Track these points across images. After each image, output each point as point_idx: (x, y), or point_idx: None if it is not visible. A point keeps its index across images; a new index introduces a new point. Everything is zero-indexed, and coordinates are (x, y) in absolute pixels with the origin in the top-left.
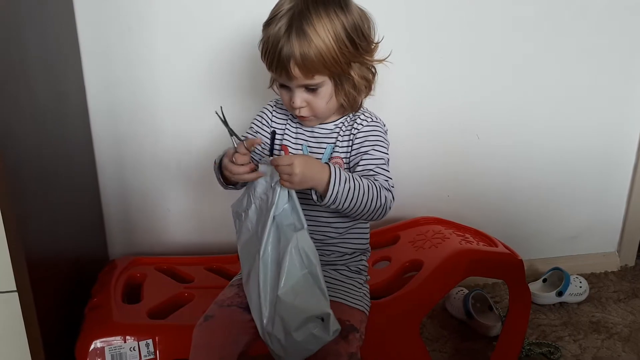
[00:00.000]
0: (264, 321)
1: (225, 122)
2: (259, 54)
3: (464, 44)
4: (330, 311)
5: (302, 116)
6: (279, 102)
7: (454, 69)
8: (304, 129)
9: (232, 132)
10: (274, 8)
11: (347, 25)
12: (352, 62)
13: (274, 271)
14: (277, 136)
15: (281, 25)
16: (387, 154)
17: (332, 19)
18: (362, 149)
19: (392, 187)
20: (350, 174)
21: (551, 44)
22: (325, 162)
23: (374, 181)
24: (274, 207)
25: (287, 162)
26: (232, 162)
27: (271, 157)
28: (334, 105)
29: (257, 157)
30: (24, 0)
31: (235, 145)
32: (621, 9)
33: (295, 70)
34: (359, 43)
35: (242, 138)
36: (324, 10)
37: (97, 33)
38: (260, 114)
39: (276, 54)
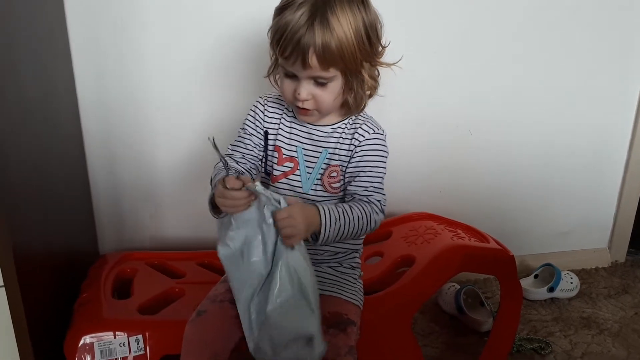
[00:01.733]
0: (254, 336)
1: (218, 153)
2: (252, 49)
3: (458, 40)
4: (317, 332)
5: (305, 109)
6: (270, 97)
7: (448, 66)
8: (299, 128)
9: (225, 164)
10: None
11: (367, 23)
12: (365, 60)
13: (265, 286)
14: (270, 135)
15: (303, 11)
16: (385, 168)
17: (355, 13)
18: (362, 165)
19: (384, 205)
20: (339, 210)
21: (544, 41)
22: (313, 204)
23: (366, 205)
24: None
25: (284, 216)
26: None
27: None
28: (338, 103)
29: (248, 166)
30: None
31: (226, 177)
32: (611, 6)
33: (313, 60)
34: (374, 42)
35: (232, 172)
36: (348, 4)
37: (88, 27)
38: (252, 113)
39: (294, 40)
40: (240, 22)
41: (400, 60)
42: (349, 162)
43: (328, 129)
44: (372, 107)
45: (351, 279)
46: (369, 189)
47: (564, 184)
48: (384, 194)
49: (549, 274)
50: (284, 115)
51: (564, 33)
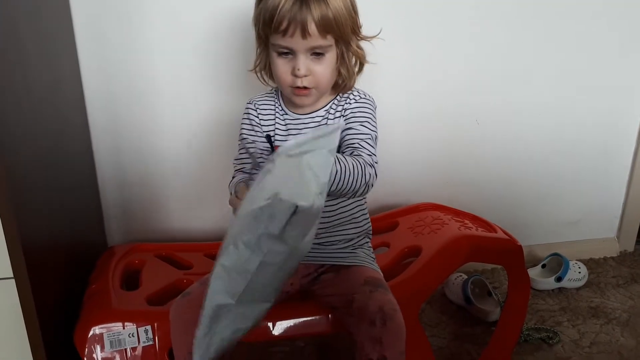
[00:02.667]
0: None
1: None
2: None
3: (464, 28)
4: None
5: (305, 88)
6: (259, 99)
7: (454, 54)
8: (292, 121)
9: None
10: None
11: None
12: (353, 31)
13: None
14: (271, 137)
15: None
16: (375, 131)
17: None
18: (350, 123)
19: (376, 162)
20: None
21: (553, 31)
22: None
23: (357, 157)
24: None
25: None
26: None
27: None
28: (333, 78)
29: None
30: None
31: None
32: None
33: (312, 27)
34: (357, 13)
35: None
36: None
37: (93, 19)
38: (246, 121)
39: (292, 12)
40: (247, 14)
41: (379, 32)
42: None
43: (321, 112)
44: (377, 98)
45: (370, 259)
46: (359, 143)
47: (573, 172)
48: (375, 154)
49: (557, 264)
50: (276, 114)
51: (573, 23)
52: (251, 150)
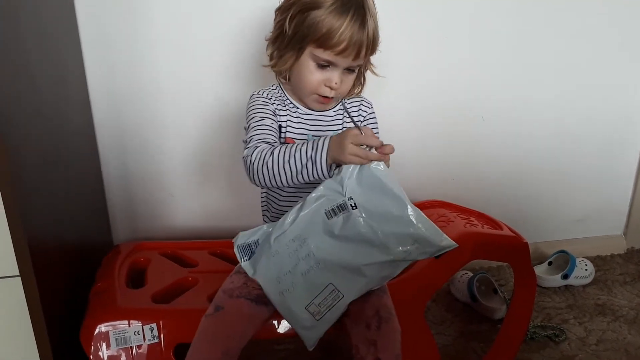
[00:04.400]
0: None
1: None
2: (261, 38)
3: (469, 24)
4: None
5: (330, 97)
6: (269, 92)
7: (459, 50)
8: (304, 117)
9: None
10: None
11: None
12: None
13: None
14: (281, 129)
15: (353, 12)
16: None
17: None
18: None
19: None
20: None
21: (558, 27)
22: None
23: None
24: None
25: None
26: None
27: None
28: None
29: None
30: None
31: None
32: None
33: (363, 52)
34: None
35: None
36: None
37: (97, 17)
38: (264, 105)
39: (353, 39)
40: (250, 13)
41: (380, 42)
42: None
43: (331, 112)
44: (383, 95)
45: None
46: None
47: (579, 169)
48: None
49: (564, 261)
50: (288, 109)
51: (578, 18)
52: (273, 134)
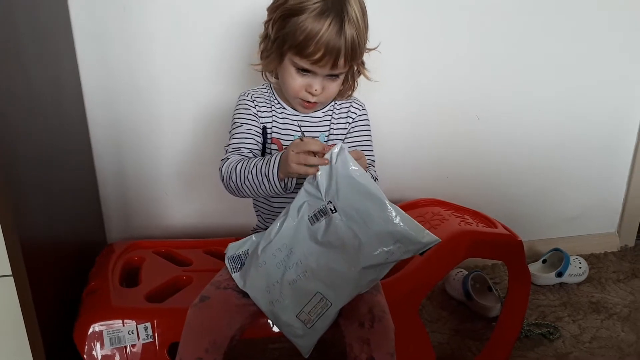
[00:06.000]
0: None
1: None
2: (256, 36)
3: (464, 23)
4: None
5: (312, 103)
6: (254, 93)
7: (454, 49)
8: (291, 118)
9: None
10: None
11: (366, 14)
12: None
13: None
14: (267, 130)
15: (331, 20)
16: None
17: (361, 6)
18: (359, 140)
19: (377, 175)
20: None
21: (553, 26)
22: None
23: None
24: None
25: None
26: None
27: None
28: (338, 91)
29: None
30: None
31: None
32: None
33: (341, 61)
34: (367, 25)
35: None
36: (360, 2)
37: (91, 14)
38: (243, 109)
39: (328, 48)
40: (243, 11)
41: (378, 45)
42: (345, 137)
43: (319, 113)
44: (379, 94)
45: None
46: (367, 162)
47: (573, 167)
48: (375, 168)
49: (558, 259)
50: (273, 109)
51: (574, 17)
52: (248, 145)
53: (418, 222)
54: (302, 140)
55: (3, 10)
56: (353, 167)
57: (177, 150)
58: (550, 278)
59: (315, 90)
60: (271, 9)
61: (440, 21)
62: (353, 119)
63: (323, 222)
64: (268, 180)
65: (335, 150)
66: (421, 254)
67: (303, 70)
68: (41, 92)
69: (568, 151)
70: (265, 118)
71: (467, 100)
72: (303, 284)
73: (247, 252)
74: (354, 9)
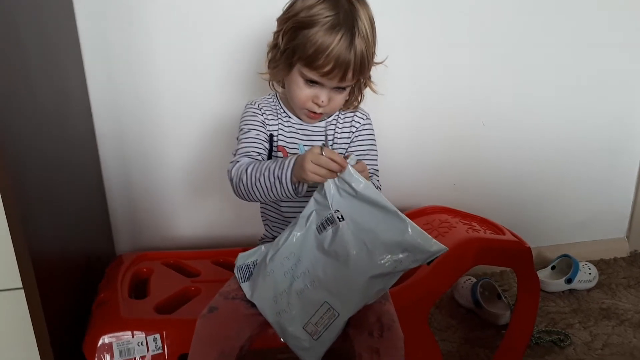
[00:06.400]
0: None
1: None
2: (259, 49)
3: (469, 30)
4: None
5: (318, 113)
6: (261, 102)
7: (459, 56)
8: (296, 126)
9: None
10: (310, 5)
11: (374, 26)
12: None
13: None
14: (273, 137)
15: (342, 34)
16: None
17: (370, 20)
18: (362, 149)
19: (380, 185)
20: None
21: (557, 30)
22: None
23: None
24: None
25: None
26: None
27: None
28: (344, 103)
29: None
30: None
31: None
32: None
33: (350, 75)
34: (376, 40)
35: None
36: (365, 10)
37: (97, 28)
38: (251, 116)
39: (339, 61)
40: (252, 20)
41: (385, 59)
42: (349, 146)
43: (323, 123)
44: (383, 102)
45: None
46: (371, 171)
47: (580, 173)
48: (378, 176)
49: (567, 265)
50: (279, 118)
51: (577, 21)
52: (257, 150)
53: (425, 229)
54: (322, 150)
55: (11, 27)
56: (358, 178)
57: (184, 161)
58: (559, 284)
59: (322, 101)
60: (282, 20)
61: (443, 28)
62: (357, 128)
63: (330, 230)
64: (280, 183)
65: (352, 162)
66: (428, 263)
67: (311, 82)
68: (49, 107)
69: (575, 156)
70: (272, 126)
71: (472, 106)
72: (310, 293)
73: (256, 262)
74: (364, 23)
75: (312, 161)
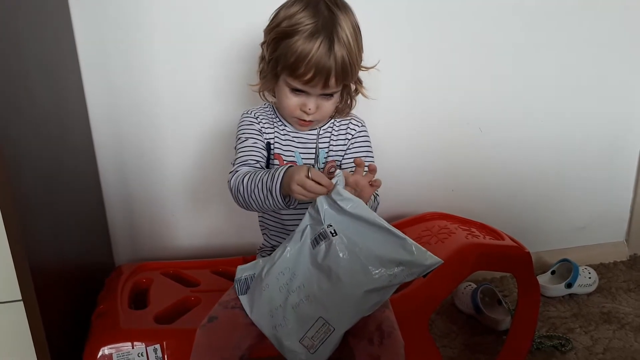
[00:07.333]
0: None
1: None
2: (256, 59)
3: (465, 35)
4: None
5: (308, 121)
6: (257, 111)
7: (456, 61)
8: (291, 134)
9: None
10: (291, 15)
11: (359, 31)
12: (360, 68)
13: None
14: (270, 146)
15: (321, 40)
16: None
17: (352, 25)
18: (358, 156)
19: (377, 193)
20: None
21: (554, 34)
22: None
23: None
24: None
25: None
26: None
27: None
28: (334, 109)
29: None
30: (22, 6)
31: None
32: None
33: (332, 81)
34: (362, 48)
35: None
36: (346, 16)
37: (95, 38)
38: (247, 125)
39: (318, 68)
40: (247, 30)
41: (377, 63)
42: (345, 154)
43: (317, 131)
44: (380, 108)
45: None
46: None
47: (578, 177)
48: None
49: (567, 270)
50: (275, 127)
51: (574, 25)
52: (255, 157)
53: (425, 236)
54: (309, 172)
55: (9, 37)
56: (348, 197)
57: (182, 171)
58: (559, 289)
59: (309, 109)
60: (266, 31)
61: (440, 33)
62: (352, 135)
63: (323, 245)
64: (271, 194)
65: (340, 181)
66: (424, 276)
67: (297, 90)
68: (47, 115)
69: (573, 160)
70: (269, 134)
71: (469, 112)
72: (305, 308)
73: (254, 275)
74: (344, 29)
75: (298, 184)
